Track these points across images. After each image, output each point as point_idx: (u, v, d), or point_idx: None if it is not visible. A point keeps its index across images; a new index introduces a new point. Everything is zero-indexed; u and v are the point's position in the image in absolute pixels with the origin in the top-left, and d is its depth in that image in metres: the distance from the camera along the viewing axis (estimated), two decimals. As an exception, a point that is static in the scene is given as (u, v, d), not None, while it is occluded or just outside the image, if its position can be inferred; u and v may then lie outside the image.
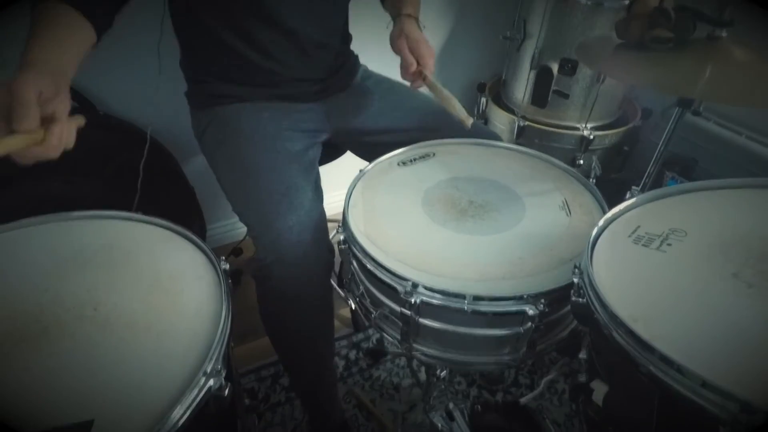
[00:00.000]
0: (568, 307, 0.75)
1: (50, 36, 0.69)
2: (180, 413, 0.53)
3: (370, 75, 1.24)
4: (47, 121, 0.61)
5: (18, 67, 0.63)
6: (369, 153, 1.11)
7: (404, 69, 0.98)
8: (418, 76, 0.98)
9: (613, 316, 0.56)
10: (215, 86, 1.07)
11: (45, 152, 0.60)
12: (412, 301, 0.74)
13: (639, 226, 0.71)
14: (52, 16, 0.71)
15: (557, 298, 0.73)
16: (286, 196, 0.93)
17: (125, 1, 0.85)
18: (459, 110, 0.92)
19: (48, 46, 0.68)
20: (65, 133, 0.62)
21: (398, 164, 1.04)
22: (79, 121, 0.65)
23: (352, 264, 0.90)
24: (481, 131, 1.17)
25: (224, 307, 0.66)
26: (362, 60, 1.26)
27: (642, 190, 0.78)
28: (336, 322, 1.52)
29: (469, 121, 0.92)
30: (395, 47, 0.99)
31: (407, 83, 1.22)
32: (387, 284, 0.78)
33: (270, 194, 0.93)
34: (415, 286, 0.74)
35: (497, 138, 1.16)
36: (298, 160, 1.02)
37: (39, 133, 0.60)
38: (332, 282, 1.10)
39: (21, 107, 0.57)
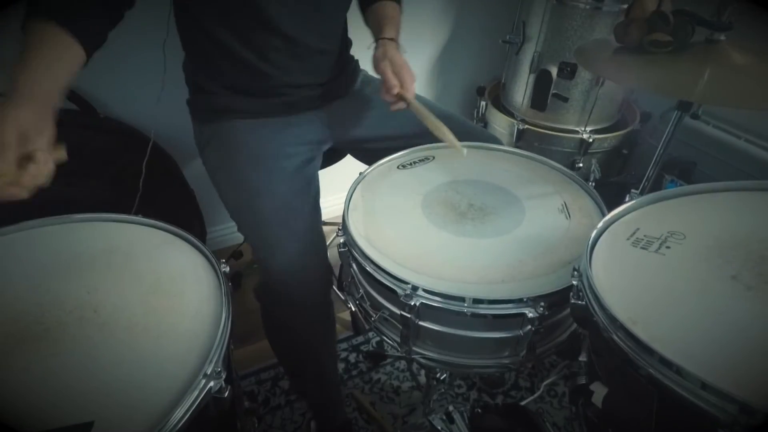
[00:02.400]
0: (568, 309, 0.75)
1: (38, 61, 0.68)
2: (180, 415, 0.53)
3: (370, 80, 1.24)
4: (25, 160, 0.60)
5: (7, 94, 0.63)
6: (370, 158, 1.12)
7: (387, 90, 0.99)
8: (400, 98, 0.99)
9: (613, 319, 0.56)
10: (216, 98, 1.07)
11: (17, 192, 0.59)
12: (412, 303, 0.74)
13: (638, 229, 0.71)
14: (41, 37, 0.69)
15: (557, 300, 0.73)
16: (286, 223, 0.96)
17: (119, 18, 0.84)
18: (451, 139, 0.93)
19: (36, 73, 0.67)
20: (42, 173, 0.61)
21: (398, 167, 1.05)
22: (60, 153, 0.64)
23: (351, 267, 0.90)
24: (482, 135, 1.17)
25: (224, 309, 0.66)
26: (362, 65, 1.26)
27: (641, 193, 0.78)
28: (336, 326, 1.53)
29: (464, 151, 0.94)
30: (378, 69, 1.00)
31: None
32: (387, 287, 0.78)
33: (270, 221, 0.96)
34: (414, 288, 0.74)
35: (497, 141, 1.16)
36: (298, 178, 1.03)
37: (13, 173, 0.58)
38: (332, 287, 1.12)
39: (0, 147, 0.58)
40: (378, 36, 1.06)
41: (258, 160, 1.03)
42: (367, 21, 1.14)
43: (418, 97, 1.17)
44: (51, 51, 0.70)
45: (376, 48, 1.04)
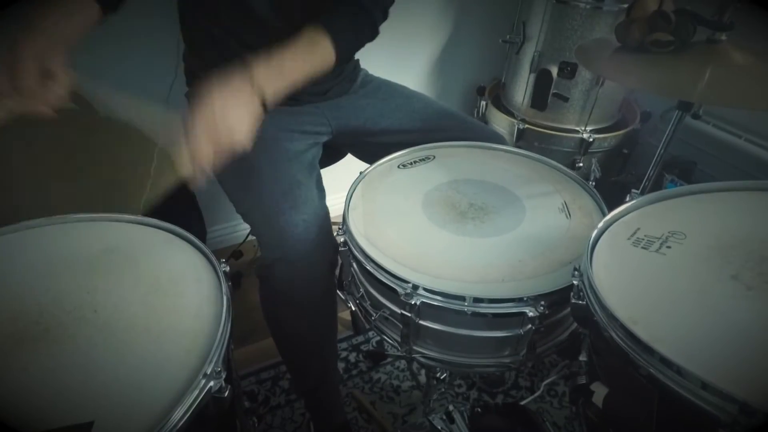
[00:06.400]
0: (568, 309, 0.75)
1: (58, 6, 0.73)
2: (180, 415, 0.53)
3: (370, 79, 1.24)
4: (45, 77, 0.65)
5: (22, 25, 0.68)
6: (370, 154, 1.12)
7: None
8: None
9: (613, 318, 0.56)
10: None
11: (39, 108, 0.65)
12: (413, 303, 0.74)
13: (638, 229, 0.71)
14: None
15: (557, 300, 0.73)
16: (289, 194, 0.93)
17: None
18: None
19: (50, 14, 0.71)
20: (60, 89, 0.67)
21: (398, 167, 1.04)
22: (72, 76, 0.69)
23: (352, 266, 0.90)
24: (484, 131, 1.17)
25: (224, 309, 0.66)
26: (362, 64, 1.26)
27: (641, 193, 0.78)
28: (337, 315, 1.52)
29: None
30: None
31: (407, 86, 1.22)
32: (387, 286, 0.78)
33: (272, 192, 0.93)
34: (415, 288, 0.74)
35: (500, 137, 1.16)
36: (299, 160, 1.02)
37: (35, 90, 0.65)
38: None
39: (19, 67, 0.63)
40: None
41: (257, 140, 1.01)
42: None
43: (419, 95, 1.16)
44: (69, 2, 0.75)
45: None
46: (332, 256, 0.95)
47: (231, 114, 0.71)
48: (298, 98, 1.10)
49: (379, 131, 1.15)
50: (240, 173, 0.99)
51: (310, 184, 0.98)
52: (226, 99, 0.72)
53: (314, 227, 0.91)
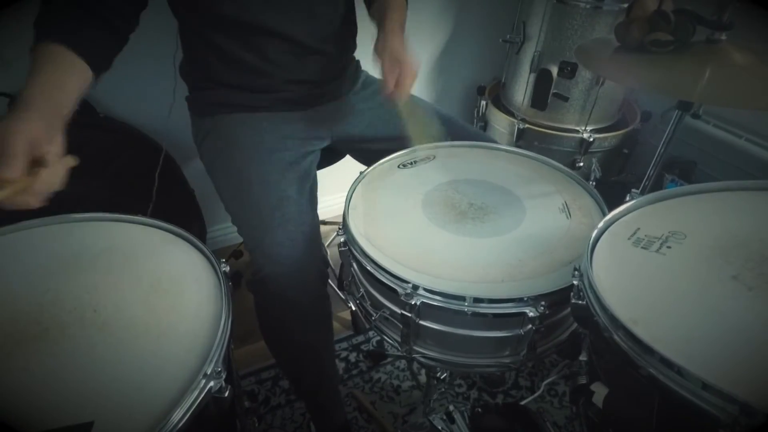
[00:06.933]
0: (568, 309, 0.75)
1: (48, 76, 0.69)
2: (180, 415, 0.53)
3: (371, 81, 1.24)
4: (36, 165, 0.60)
5: (15, 105, 0.63)
6: (369, 159, 1.12)
7: (382, 87, 0.96)
8: (394, 96, 0.96)
9: (613, 319, 0.56)
10: (214, 93, 1.07)
11: (28, 200, 0.59)
12: (413, 303, 0.74)
13: (639, 229, 0.71)
14: (50, 57, 0.71)
15: (557, 300, 0.73)
16: (278, 209, 0.94)
17: (124, 42, 0.86)
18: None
19: (46, 88, 0.67)
20: (53, 179, 0.61)
21: (399, 166, 1.04)
22: (70, 161, 0.64)
23: (352, 266, 0.90)
24: (481, 139, 1.17)
25: (224, 309, 0.66)
26: (364, 66, 1.26)
27: (642, 193, 0.78)
28: (336, 325, 1.53)
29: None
30: (377, 62, 0.97)
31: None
32: (387, 286, 0.78)
33: (262, 208, 0.94)
34: (415, 288, 0.74)
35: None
36: (294, 170, 1.02)
37: (24, 181, 0.58)
38: (332, 285, 1.10)
39: (8, 156, 0.57)
40: (381, 25, 1.01)
41: (254, 150, 1.02)
42: (372, 15, 1.12)
43: (417, 100, 1.16)
44: (60, 67, 0.71)
45: (377, 38, 0.99)
46: (321, 267, 0.96)
47: (405, 52, 0.96)
48: (297, 101, 1.10)
49: (378, 138, 1.15)
50: (234, 186, 1.00)
51: (301, 198, 0.98)
52: (402, 46, 0.96)
53: (302, 243, 0.92)
